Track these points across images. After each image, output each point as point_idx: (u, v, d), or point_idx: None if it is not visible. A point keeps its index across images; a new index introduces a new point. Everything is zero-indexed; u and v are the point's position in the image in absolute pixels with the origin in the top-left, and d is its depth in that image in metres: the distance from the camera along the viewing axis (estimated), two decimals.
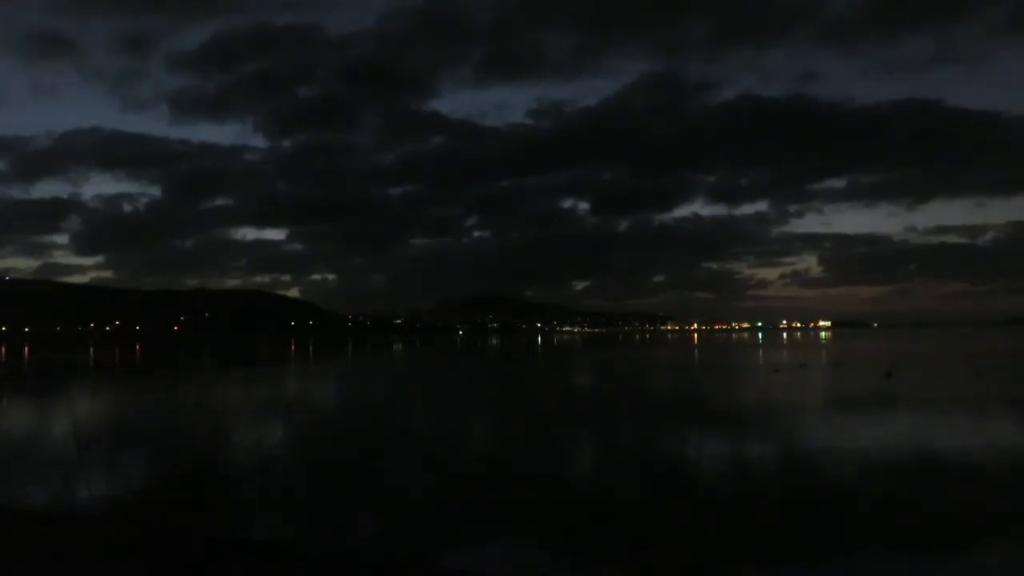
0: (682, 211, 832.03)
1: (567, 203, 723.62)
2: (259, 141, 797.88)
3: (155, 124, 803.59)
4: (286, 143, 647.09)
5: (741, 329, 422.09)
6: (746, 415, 25.21)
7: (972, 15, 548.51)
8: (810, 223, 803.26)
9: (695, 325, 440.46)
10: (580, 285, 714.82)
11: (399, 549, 10.01)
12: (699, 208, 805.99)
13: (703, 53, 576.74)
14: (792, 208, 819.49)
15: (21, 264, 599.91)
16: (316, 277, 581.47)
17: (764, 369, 51.55)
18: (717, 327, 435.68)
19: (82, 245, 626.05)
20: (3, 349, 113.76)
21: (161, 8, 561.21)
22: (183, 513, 11.99)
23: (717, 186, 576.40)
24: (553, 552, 10.18)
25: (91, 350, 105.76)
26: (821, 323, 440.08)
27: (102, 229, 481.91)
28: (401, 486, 14.14)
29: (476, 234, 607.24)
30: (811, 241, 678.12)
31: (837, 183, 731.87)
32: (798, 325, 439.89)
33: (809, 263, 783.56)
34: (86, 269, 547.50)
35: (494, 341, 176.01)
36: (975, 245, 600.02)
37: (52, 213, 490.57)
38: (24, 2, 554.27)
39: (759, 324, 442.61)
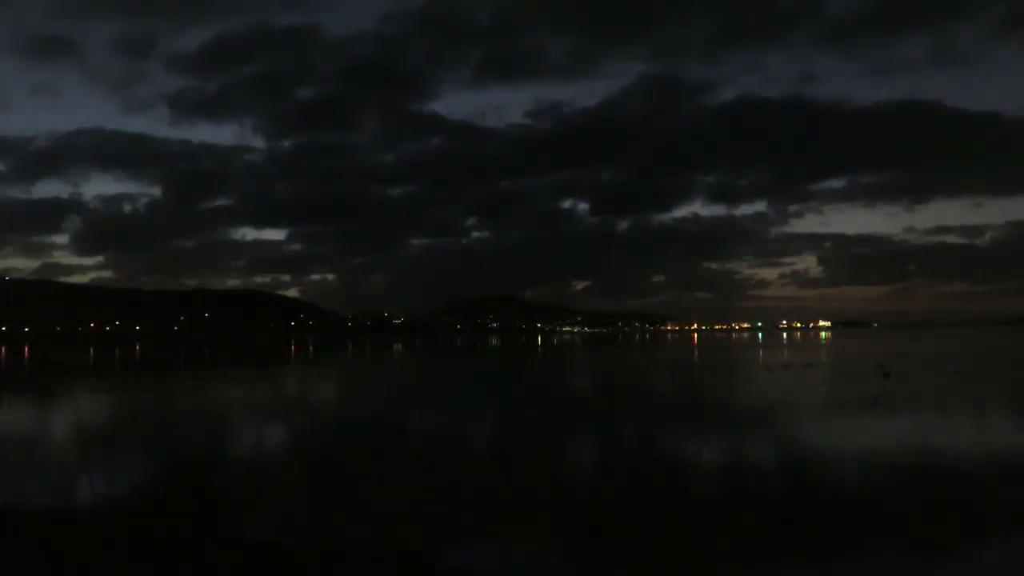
0: (682, 211, 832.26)
1: (567, 203, 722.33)
2: (258, 142, 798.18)
3: (155, 125, 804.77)
4: (286, 144, 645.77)
5: (741, 329, 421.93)
6: (743, 416, 25.24)
7: (971, 15, 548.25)
8: (810, 223, 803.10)
9: (695, 325, 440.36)
10: (580, 285, 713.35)
11: (399, 549, 10.03)
12: (699, 208, 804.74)
13: (702, 54, 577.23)
14: (792, 208, 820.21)
15: (21, 264, 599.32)
16: (316, 277, 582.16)
17: (763, 369, 51.56)
18: (717, 327, 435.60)
19: (82, 245, 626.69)
20: (3, 349, 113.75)
21: (161, 10, 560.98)
22: (183, 513, 12.01)
23: (716, 186, 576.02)
24: (552, 552, 10.21)
25: (91, 350, 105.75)
26: (821, 323, 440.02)
27: (102, 229, 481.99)
28: (401, 486, 14.17)
29: (476, 234, 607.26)
30: (811, 241, 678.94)
31: (836, 183, 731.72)
32: (798, 325, 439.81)
33: (809, 263, 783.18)
34: (86, 269, 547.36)
35: (494, 341, 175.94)
36: (974, 245, 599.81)
37: (52, 213, 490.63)
38: (25, 4, 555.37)
39: (759, 324, 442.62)
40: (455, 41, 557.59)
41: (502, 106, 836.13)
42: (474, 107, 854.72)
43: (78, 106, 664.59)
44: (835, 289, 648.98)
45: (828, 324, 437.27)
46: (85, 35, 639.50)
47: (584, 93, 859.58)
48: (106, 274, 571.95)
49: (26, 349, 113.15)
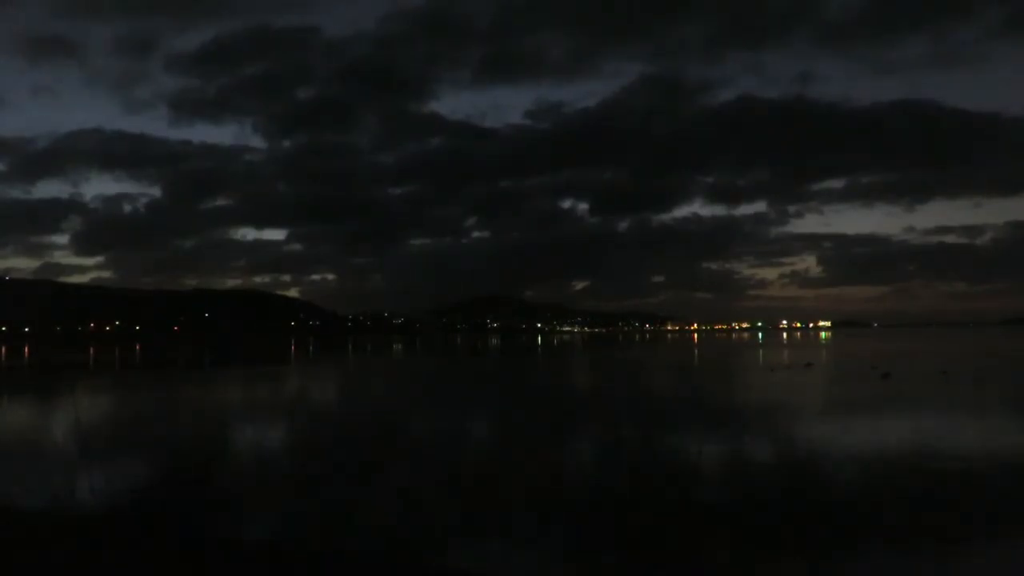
0: (681, 211, 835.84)
1: (567, 203, 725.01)
2: (259, 142, 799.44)
3: (155, 125, 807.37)
4: (286, 144, 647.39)
5: (741, 329, 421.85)
6: (745, 416, 25.21)
7: (971, 16, 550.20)
8: (809, 223, 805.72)
9: (695, 325, 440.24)
10: (580, 285, 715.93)
11: (399, 549, 10.02)
12: (698, 208, 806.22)
13: (701, 55, 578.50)
14: (791, 208, 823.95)
15: (21, 264, 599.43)
16: (316, 277, 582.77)
17: (764, 370, 51.57)
18: (717, 327, 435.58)
19: (82, 245, 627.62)
20: (3, 349, 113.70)
21: (162, 10, 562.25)
22: (183, 513, 12.00)
23: (716, 186, 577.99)
24: (552, 552, 10.20)
25: (91, 350, 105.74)
26: (821, 323, 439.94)
27: (102, 229, 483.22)
28: (400, 486, 14.15)
29: (476, 234, 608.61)
30: (811, 241, 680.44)
31: (836, 183, 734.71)
32: (798, 325, 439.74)
33: (809, 263, 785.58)
34: (86, 269, 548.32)
35: (494, 341, 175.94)
36: (974, 245, 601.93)
37: (53, 213, 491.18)
38: (26, 4, 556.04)
39: (759, 324, 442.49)
40: (455, 41, 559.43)
41: (502, 106, 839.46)
42: (474, 107, 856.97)
43: (78, 106, 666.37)
44: (835, 289, 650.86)
45: (828, 324, 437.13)
46: (85, 35, 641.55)
47: (584, 93, 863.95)
48: (106, 274, 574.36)
49: (26, 349, 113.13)
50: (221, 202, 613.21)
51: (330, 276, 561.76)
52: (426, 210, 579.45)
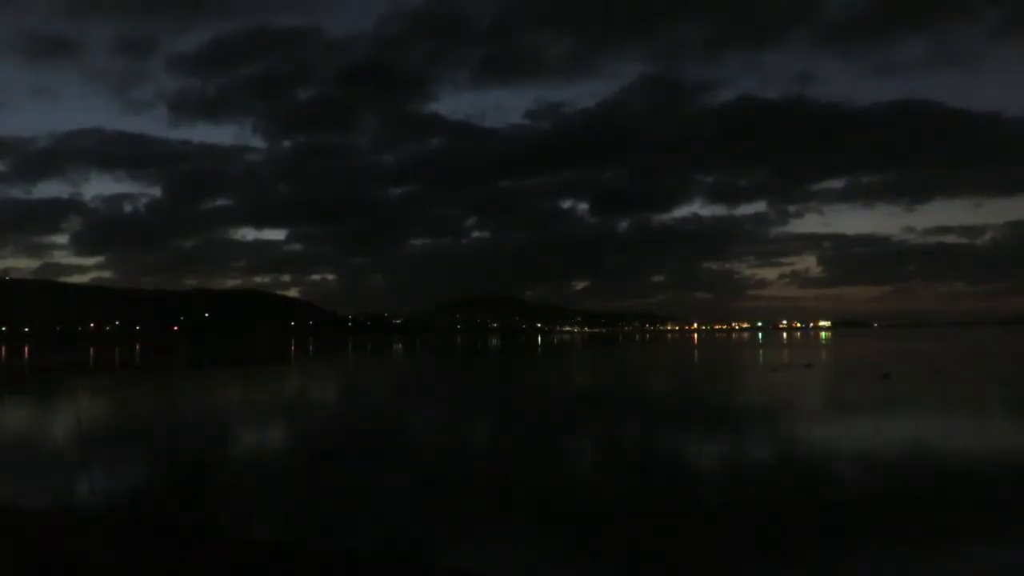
0: (681, 211, 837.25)
1: (566, 203, 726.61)
2: (259, 142, 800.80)
3: (155, 125, 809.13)
4: (286, 144, 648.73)
5: (741, 329, 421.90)
6: (748, 417, 25.21)
7: (971, 16, 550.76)
8: (809, 223, 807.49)
9: (695, 325, 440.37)
10: (580, 285, 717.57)
11: (399, 549, 10.01)
12: (698, 208, 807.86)
13: (701, 55, 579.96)
14: (791, 208, 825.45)
15: (21, 264, 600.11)
16: (316, 277, 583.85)
17: (765, 370, 51.55)
18: (717, 327, 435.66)
19: (82, 245, 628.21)
20: (3, 349, 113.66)
21: (162, 10, 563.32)
22: (182, 513, 11.99)
23: (716, 186, 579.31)
24: (552, 552, 10.19)
25: (91, 350, 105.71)
26: (821, 323, 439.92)
27: (102, 229, 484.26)
28: (401, 486, 14.14)
29: (476, 234, 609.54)
30: (810, 241, 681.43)
31: (836, 183, 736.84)
32: (798, 325, 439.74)
33: (809, 263, 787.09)
34: (86, 269, 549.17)
35: (494, 341, 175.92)
36: (974, 245, 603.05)
37: (53, 213, 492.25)
38: (26, 4, 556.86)
39: (759, 324, 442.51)
40: (454, 41, 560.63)
41: (502, 106, 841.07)
42: (474, 107, 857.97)
43: (78, 106, 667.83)
44: (835, 289, 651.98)
45: (828, 324, 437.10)
46: (85, 35, 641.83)
47: (584, 93, 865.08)
48: (106, 274, 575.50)
49: (26, 349, 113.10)
50: (221, 202, 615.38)
51: (330, 276, 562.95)
52: (426, 210, 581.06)
